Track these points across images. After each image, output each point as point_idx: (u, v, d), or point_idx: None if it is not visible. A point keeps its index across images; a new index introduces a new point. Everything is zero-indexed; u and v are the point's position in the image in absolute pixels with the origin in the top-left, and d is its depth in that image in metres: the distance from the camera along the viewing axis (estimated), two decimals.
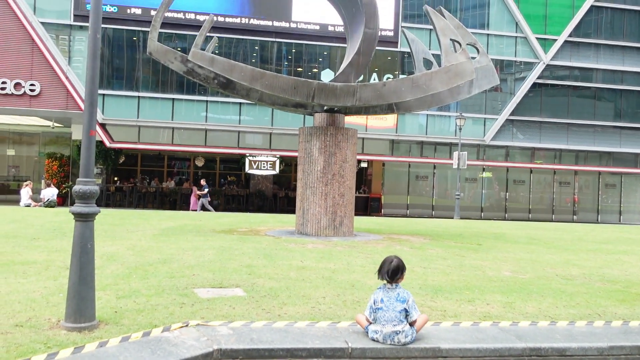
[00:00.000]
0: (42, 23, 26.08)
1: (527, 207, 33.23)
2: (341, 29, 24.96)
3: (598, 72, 32.15)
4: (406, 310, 4.60)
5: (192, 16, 26.92)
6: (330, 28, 28.10)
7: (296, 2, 27.94)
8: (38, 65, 26.12)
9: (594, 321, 5.60)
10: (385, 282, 4.74)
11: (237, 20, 27.62)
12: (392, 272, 4.69)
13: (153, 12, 23.70)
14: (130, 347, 4.20)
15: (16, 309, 5.09)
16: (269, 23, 27.84)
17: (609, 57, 32.12)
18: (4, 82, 25.61)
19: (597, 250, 12.18)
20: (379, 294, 4.69)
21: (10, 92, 25.68)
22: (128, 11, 26.65)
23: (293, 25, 27.99)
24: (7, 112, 26.86)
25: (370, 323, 4.69)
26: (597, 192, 34.42)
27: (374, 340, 4.62)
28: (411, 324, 4.64)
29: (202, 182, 25.60)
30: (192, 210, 25.62)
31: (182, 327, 4.72)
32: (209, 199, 25.03)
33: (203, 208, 24.47)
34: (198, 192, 24.96)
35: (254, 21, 27.71)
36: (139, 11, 26.66)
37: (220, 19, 26.71)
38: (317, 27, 28.18)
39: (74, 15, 26.36)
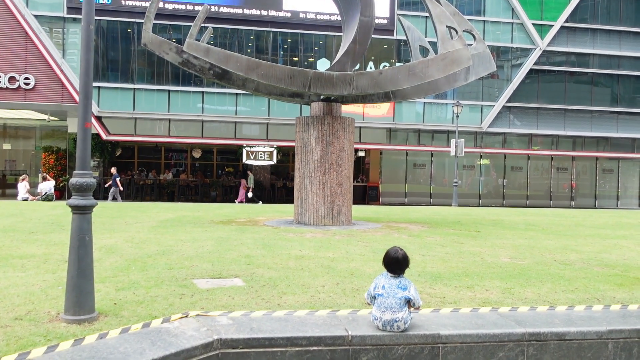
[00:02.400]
0: (35, 16, 25.88)
1: (524, 193, 33.30)
2: (336, 17, 24.86)
3: (595, 57, 32.08)
4: (407, 298, 4.60)
5: (186, 7, 26.74)
6: (325, 17, 27.95)
7: None
8: (32, 58, 25.95)
9: (592, 305, 5.62)
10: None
11: (232, 10, 27.44)
12: (400, 265, 4.67)
13: (147, 4, 23.56)
14: (130, 339, 4.20)
15: (15, 302, 5.08)
16: (264, 12, 27.67)
17: (605, 42, 32.04)
18: None
19: (595, 235, 12.22)
20: (381, 280, 4.69)
21: (5, 86, 25.54)
22: (122, 3, 26.45)
23: (286, 14, 27.83)
24: (2, 106, 26.72)
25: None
26: (595, 177, 34.49)
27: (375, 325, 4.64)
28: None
29: (113, 170, 25.06)
30: (239, 202, 25.74)
31: (181, 317, 4.72)
32: (120, 188, 24.53)
33: (113, 199, 23.96)
34: (117, 182, 24.32)
35: (248, 11, 27.54)
36: (132, 3, 26.47)
37: (215, 9, 26.52)
38: (312, 16, 28.02)
39: (67, 7, 26.16)
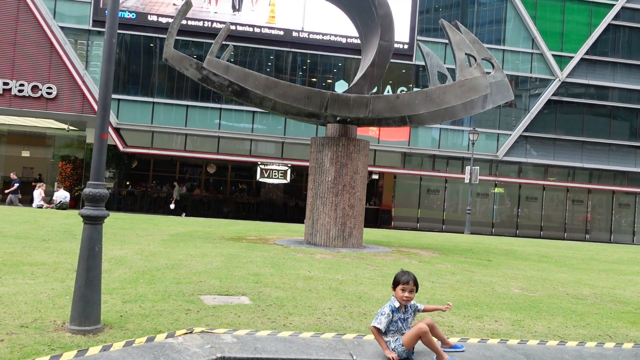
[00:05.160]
0: (62, 27, 26.45)
1: (538, 224, 32.93)
2: (355, 40, 25.09)
3: (614, 90, 31.91)
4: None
5: (203, 24, 27.14)
6: (344, 40, 28.19)
7: (309, 12, 28.06)
8: (56, 68, 26.45)
9: (604, 342, 5.49)
10: None
11: (253, 29, 27.79)
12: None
13: (170, 20, 23.95)
14: (134, 352, 4.17)
15: (22, 309, 5.09)
16: (285, 33, 27.99)
17: (625, 75, 31.88)
18: (21, 85, 25.95)
19: (609, 270, 12.00)
20: None
21: (28, 95, 26.01)
22: (146, 18, 26.93)
23: (306, 35, 28.11)
24: (24, 114, 27.18)
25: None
26: (611, 211, 34.04)
27: None
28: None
29: (12, 175, 24.15)
30: None
31: (186, 333, 4.70)
32: (19, 196, 23.71)
33: (11, 203, 23.09)
34: (7, 190, 23.26)
35: (269, 31, 27.88)
36: (156, 18, 26.94)
37: (236, 28, 26.88)
38: (332, 38, 28.27)
39: (93, 20, 26.70)
